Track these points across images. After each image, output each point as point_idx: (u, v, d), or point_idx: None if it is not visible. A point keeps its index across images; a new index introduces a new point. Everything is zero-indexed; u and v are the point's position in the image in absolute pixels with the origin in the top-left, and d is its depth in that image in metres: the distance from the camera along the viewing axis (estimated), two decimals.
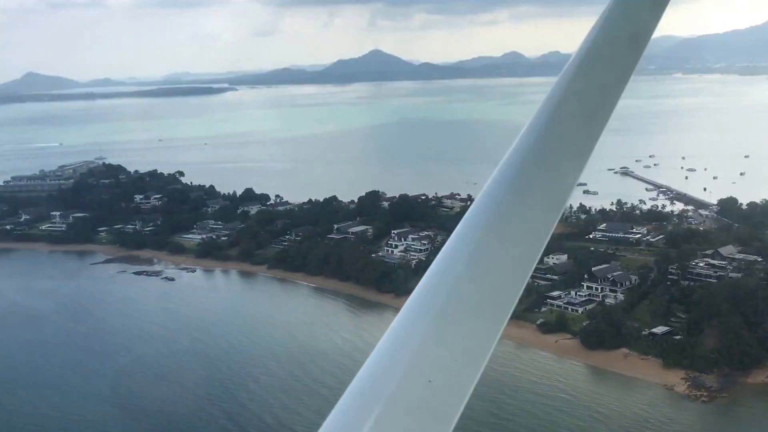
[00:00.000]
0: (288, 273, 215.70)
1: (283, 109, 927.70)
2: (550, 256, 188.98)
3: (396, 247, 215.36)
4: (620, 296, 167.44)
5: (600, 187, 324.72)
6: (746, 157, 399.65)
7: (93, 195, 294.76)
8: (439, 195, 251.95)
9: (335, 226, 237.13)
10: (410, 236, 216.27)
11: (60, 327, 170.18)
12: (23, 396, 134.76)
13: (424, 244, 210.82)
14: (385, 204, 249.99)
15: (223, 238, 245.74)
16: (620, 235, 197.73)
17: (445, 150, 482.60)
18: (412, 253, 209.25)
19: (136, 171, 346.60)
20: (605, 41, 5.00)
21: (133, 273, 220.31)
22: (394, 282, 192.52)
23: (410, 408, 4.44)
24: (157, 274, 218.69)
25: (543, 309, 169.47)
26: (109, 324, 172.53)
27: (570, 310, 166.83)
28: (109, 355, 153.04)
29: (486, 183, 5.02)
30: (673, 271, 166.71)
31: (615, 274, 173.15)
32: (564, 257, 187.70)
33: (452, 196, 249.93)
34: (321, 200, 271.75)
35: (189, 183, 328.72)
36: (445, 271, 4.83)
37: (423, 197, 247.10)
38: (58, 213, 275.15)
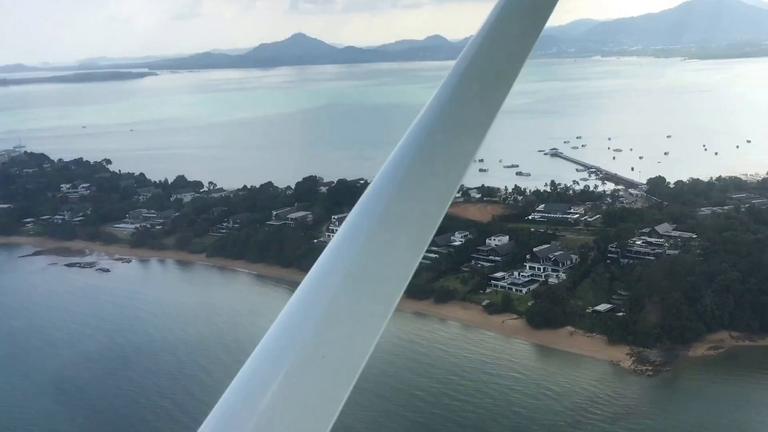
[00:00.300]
0: (228, 261, 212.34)
1: (207, 94, 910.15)
2: (492, 237, 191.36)
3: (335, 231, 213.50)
4: (562, 276, 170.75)
5: (531, 168, 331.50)
6: (668, 137, 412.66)
7: (16, 185, 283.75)
8: None
9: (274, 213, 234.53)
10: None
11: None
12: None
13: None
14: (324, 189, 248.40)
15: (157, 227, 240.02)
16: (558, 215, 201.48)
17: (375, 134, 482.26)
18: None
19: (60, 159, 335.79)
20: (503, 23, 5.21)
21: (65, 265, 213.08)
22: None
23: (304, 383, 4.53)
24: (90, 265, 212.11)
25: (488, 290, 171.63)
26: (44, 318, 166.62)
27: (514, 290, 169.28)
28: (48, 350, 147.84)
29: (384, 162, 5.19)
30: (613, 249, 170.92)
31: (556, 254, 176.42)
32: (506, 239, 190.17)
33: None
34: (257, 186, 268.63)
35: (117, 171, 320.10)
36: (342, 250, 4.98)
37: (362, 182, 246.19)
38: None
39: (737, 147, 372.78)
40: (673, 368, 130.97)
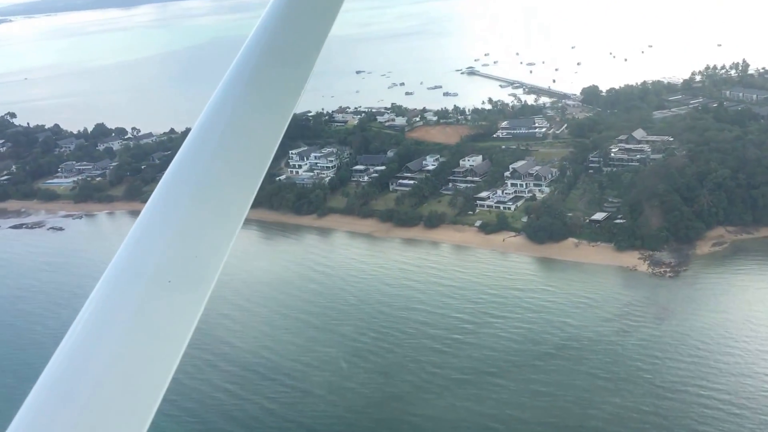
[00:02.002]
0: None
1: (79, 37, 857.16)
2: (466, 158, 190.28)
3: (300, 167, 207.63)
4: (545, 190, 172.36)
5: (453, 87, 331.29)
6: (573, 48, 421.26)
7: None
8: (328, 111, 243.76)
9: None
10: (312, 154, 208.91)
11: None
12: None
13: (331, 161, 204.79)
14: None
15: (98, 179, 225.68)
16: (524, 131, 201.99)
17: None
18: (318, 172, 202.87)
19: None
20: None
21: (10, 228, 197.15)
22: (313, 202, 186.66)
23: (153, 307, 4.55)
24: (39, 225, 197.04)
25: (476, 211, 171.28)
26: (23, 285, 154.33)
27: (502, 208, 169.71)
28: (41, 319, 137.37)
29: (213, 95, 5.26)
30: (594, 159, 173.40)
31: (536, 169, 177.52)
32: (479, 158, 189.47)
33: (342, 110, 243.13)
34: (185, 129, 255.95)
35: (27, 124, 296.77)
36: (180, 180, 5.06)
37: (310, 113, 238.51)
38: None
39: (642, 52, 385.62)
40: (689, 267, 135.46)
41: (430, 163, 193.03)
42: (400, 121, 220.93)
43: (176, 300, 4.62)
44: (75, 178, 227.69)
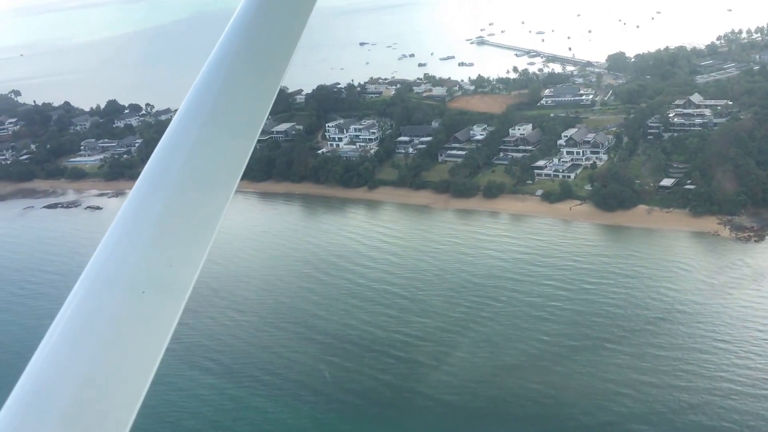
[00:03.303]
0: None
1: (56, 13, 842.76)
2: (515, 127, 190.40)
3: (340, 140, 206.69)
4: (603, 157, 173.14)
5: (467, 57, 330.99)
6: (578, 15, 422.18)
7: None
8: (360, 82, 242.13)
9: None
10: (352, 127, 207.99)
11: (25, 274, 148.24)
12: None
13: (373, 133, 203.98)
14: (300, 98, 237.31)
15: (125, 156, 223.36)
16: (569, 98, 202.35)
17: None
18: (362, 144, 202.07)
19: None
20: None
21: (45, 207, 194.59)
22: (362, 175, 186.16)
23: (126, 320, 4.50)
24: (74, 204, 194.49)
25: (535, 180, 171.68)
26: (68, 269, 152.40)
27: (561, 177, 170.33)
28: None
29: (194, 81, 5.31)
30: (653, 125, 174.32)
31: (590, 136, 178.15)
32: (529, 127, 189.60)
33: (375, 81, 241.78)
34: None
35: (33, 102, 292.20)
36: (153, 188, 5.00)
37: (339, 86, 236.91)
38: None
39: (652, 19, 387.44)
40: None
41: (478, 132, 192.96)
42: (438, 91, 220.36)
43: (150, 311, 4.62)
44: (100, 156, 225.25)
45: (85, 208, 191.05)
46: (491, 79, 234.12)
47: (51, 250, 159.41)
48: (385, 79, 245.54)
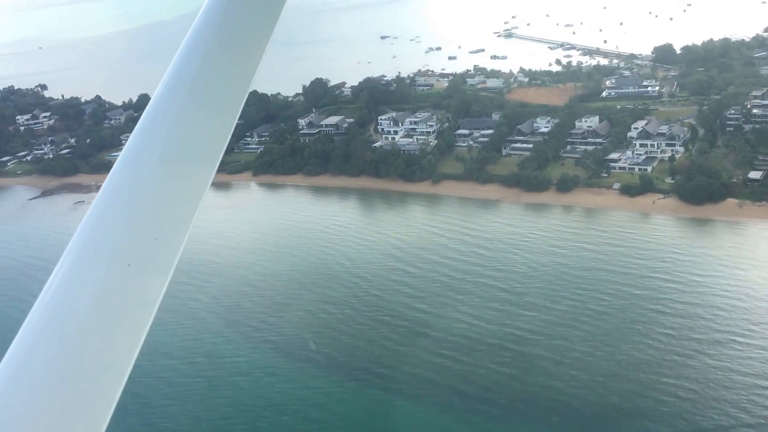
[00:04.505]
0: (280, 177, 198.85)
1: (55, 8, 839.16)
2: (582, 119, 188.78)
3: (395, 133, 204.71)
4: (679, 149, 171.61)
5: (497, 50, 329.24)
6: (604, 8, 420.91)
7: None
8: (408, 74, 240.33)
9: (303, 122, 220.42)
10: (407, 119, 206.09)
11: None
12: None
13: (431, 126, 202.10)
14: (347, 91, 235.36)
15: None
16: (633, 90, 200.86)
17: (291, 33, 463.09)
18: (419, 137, 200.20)
19: None
20: None
21: None
22: (425, 169, 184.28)
23: (112, 293, 4.57)
24: None
25: (610, 173, 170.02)
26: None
27: (637, 170, 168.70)
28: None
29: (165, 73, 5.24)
30: (732, 117, 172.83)
31: (666, 128, 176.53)
32: (596, 119, 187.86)
33: (424, 74, 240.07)
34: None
35: (61, 96, 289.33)
36: (137, 161, 5.02)
37: (387, 78, 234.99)
38: None
39: (684, 11, 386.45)
40: None
41: (543, 125, 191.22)
42: (494, 83, 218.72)
43: (136, 284, 4.60)
44: None
45: None
46: (533, 71, 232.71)
47: None
48: (430, 71, 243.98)
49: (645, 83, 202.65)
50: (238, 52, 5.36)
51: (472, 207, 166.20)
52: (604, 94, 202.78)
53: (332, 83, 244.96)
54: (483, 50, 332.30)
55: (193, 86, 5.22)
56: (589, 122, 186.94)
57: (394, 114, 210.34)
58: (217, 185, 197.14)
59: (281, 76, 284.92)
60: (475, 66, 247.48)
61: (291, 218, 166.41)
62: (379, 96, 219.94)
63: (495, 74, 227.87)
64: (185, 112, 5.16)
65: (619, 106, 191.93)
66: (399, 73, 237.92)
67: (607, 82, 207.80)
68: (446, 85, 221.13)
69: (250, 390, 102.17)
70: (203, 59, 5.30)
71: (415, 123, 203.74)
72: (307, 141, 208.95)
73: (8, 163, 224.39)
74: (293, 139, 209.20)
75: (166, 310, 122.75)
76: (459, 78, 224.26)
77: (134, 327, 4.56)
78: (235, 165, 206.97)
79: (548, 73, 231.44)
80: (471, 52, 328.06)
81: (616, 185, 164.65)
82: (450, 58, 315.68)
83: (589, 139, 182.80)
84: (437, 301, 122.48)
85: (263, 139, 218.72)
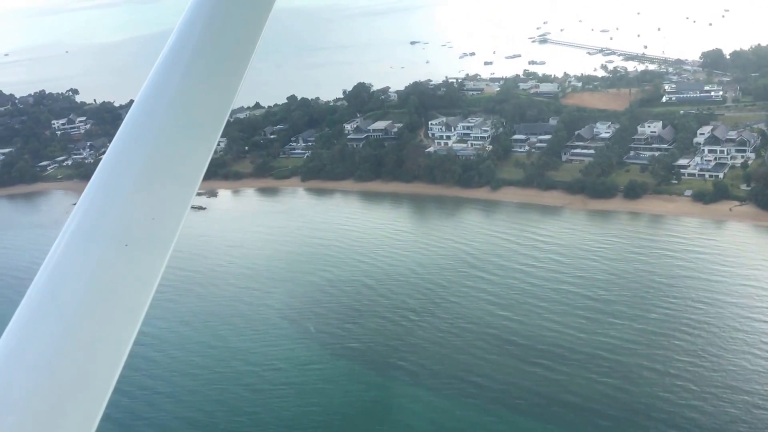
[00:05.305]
0: (327, 182, 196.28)
1: (66, 14, 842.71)
2: (645, 125, 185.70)
3: (448, 138, 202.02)
4: (750, 155, 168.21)
5: (534, 55, 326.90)
6: (638, 14, 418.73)
7: (3, 126, 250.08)
8: (456, 78, 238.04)
9: (350, 126, 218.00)
10: (460, 124, 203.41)
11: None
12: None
13: (485, 131, 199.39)
14: (392, 96, 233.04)
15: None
16: (695, 95, 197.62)
17: (318, 38, 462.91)
18: (473, 142, 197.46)
19: (11, 94, 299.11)
20: None
21: None
22: (483, 174, 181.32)
23: (110, 273, 4.55)
24: None
25: (680, 180, 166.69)
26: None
27: (707, 176, 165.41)
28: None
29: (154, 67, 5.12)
30: None
31: (735, 133, 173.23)
32: (659, 124, 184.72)
33: (474, 78, 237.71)
34: (284, 102, 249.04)
35: (93, 101, 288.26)
36: (133, 141, 5.00)
37: (433, 82, 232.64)
38: None
39: (723, 17, 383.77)
40: None
41: (603, 130, 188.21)
42: (547, 87, 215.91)
43: (134, 264, 4.57)
44: None
45: (191, 209, 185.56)
46: (574, 76, 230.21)
47: (186, 249, 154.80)
48: (478, 75, 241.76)
49: (706, 88, 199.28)
50: (233, 36, 5.20)
51: (537, 213, 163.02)
52: (664, 99, 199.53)
53: (375, 88, 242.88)
54: (519, 56, 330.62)
55: (190, 67, 5.03)
56: (652, 127, 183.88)
57: (444, 119, 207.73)
58: (266, 190, 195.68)
59: (317, 81, 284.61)
60: (524, 71, 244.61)
61: (350, 224, 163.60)
62: (428, 101, 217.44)
63: (547, 79, 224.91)
64: (183, 91, 4.99)
65: (682, 111, 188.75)
66: (446, 77, 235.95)
67: (666, 87, 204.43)
68: (497, 89, 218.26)
69: (340, 398, 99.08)
70: (199, 40, 5.12)
71: (468, 128, 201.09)
72: (356, 146, 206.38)
73: (48, 168, 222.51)
74: (341, 144, 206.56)
75: (238, 315, 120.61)
76: (511, 82, 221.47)
77: (132, 308, 4.49)
78: (282, 170, 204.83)
79: (594, 78, 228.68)
80: (507, 58, 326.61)
81: (688, 192, 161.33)
82: (486, 63, 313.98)
83: (653, 145, 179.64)
84: (521, 308, 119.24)
85: (309, 144, 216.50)
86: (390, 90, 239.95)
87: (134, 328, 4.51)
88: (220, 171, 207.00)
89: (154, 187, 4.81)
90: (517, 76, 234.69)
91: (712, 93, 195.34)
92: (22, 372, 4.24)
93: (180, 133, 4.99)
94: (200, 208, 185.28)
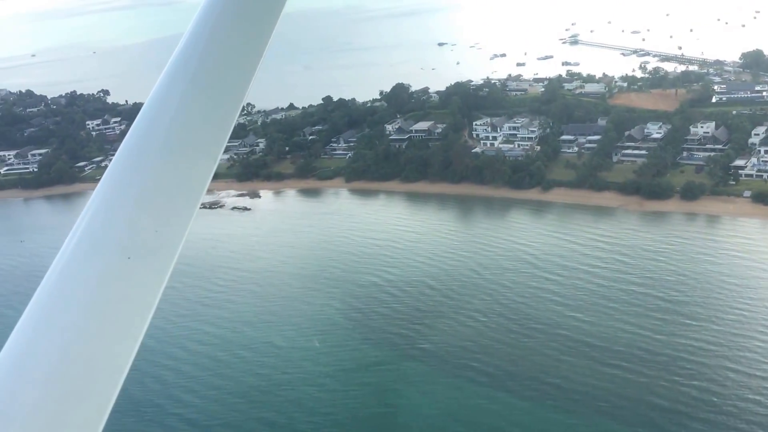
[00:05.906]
0: (372, 183, 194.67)
1: (85, 16, 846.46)
2: (698, 125, 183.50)
3: (494, 138, 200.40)
4: None
5: (565, 56, 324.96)
6: (667, 15, 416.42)
7: (37, 127, 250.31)
8: (499, 79, 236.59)
9: (391, 127, 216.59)
10: (506, 125, 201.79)
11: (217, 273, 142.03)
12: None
13: (533, 131, 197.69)
14: (433, 96, 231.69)
15: (252, 156, 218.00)
16: (746, 95, 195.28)
17: (344, 40, 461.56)
18: (520, 143, 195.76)
19: (42, 95, 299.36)
20: None
21: None
22: (534, 176, 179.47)
23: (112, 286, 4.51)
24: (217, 205, 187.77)
25: (738, 181, 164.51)
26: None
27: (766, 177, 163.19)
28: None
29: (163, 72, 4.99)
30: None
31: None
32: (712, 125, 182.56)
33: (517, 78, 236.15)
34: (319, 102, 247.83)
35: (125, 101, 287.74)
36: (138, 152, 4.88)
37: (474, 83, 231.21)
38: (10, 153, 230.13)
39: (754, 18, 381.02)
40: None
41: (654, 131, 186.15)
42: (593, 87, 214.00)
43: (136, 277, 4.50)
44: (225, 156, 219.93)
45: (231, 209, 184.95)
46: (620, 77, 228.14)
47: (238, 249, 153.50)
48: (520, 75, 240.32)
49: (757, 88, 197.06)
50: (242, 40, 5.07)
51: (592, 214, 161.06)
52: (713, 99, 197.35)
53: (414, 89, 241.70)
54: (552, 57, 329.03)
55: (195, 77, 4.91)
56: (705, 128, 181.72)
57: (489, 119, 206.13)
58: (310, 191, 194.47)
59: (347, 82, 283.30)
60: (568, 71, 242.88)
61: (402, 224, 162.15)
62: (471, 101, 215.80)
63: (592, 79, 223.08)
64: (187, 103, 4.88)
65: (734, 112, 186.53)
66: (487, 77, 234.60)
67: (716, 87, 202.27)
68: (541, 90, 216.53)
69: (419, 399, 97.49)
70: (204, 51, 4.96)
71: (515, 128, 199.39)
72: (399, 147, 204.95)
73: (86, 168, 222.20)
74: (384, 144, 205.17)
75: (300, 315, 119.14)
76: (555, 83, 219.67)
77: (134, 321, 4.45)
78: (325, 171, 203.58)
79: (636, 78, 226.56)
80: (539, 59, 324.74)
81: (747, 193, 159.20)
82: (518, 64, 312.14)
83: (707, 146, 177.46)
84: (591, 309, 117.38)
85: (350, 144, 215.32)
86: (430, 90, 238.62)
87: (136, 342, 4.43)
88: (261, 172, 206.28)
89: (158, 200, 4.67)
90: (560, 76, 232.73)
91: (764, 93, 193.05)
92: (24, 383, 4.18)
93: (185, 143, 4.84)
94: (245, 209, 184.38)
